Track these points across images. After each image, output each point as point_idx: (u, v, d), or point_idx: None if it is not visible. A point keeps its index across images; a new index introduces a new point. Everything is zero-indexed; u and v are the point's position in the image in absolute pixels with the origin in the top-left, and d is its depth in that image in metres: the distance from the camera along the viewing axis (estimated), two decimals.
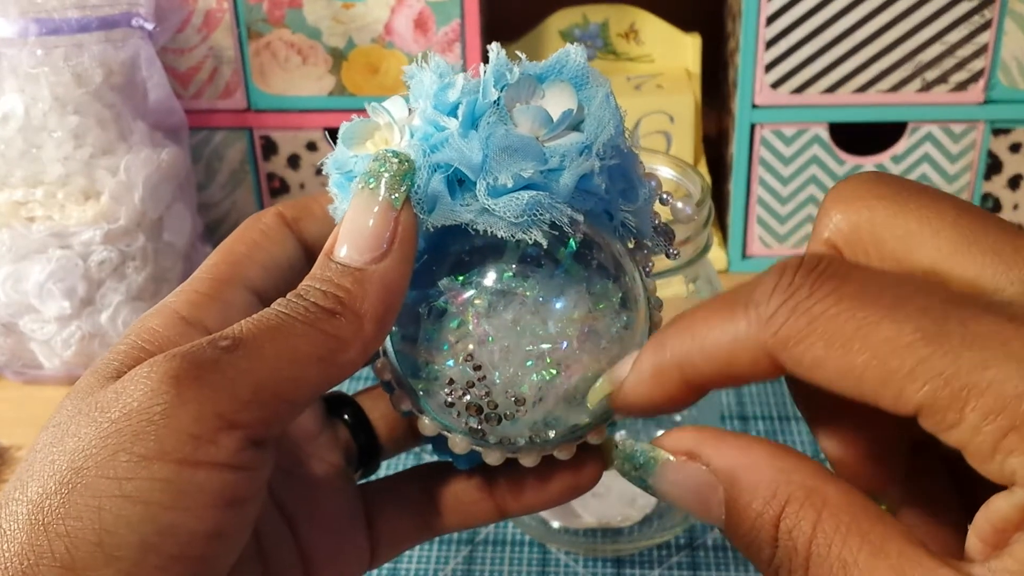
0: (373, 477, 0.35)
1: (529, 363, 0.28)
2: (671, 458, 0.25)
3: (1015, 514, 0.20)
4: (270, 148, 0.77)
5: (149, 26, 0.65)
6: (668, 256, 0.31)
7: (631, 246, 0.31)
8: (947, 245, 0.24)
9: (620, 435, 0.31)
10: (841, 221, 0.25)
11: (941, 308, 0.21)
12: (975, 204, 0.24)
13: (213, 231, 0.79)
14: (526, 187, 0.27)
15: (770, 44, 0.70)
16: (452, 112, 0.27)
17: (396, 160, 0.27)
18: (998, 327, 0.20)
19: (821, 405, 0.26)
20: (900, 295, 0.21)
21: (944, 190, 0.26)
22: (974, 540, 0.22)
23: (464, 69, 0.28)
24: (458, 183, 0.27)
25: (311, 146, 0.77)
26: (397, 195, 0.27)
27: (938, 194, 0.25)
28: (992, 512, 0.21)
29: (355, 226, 0.27)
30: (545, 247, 0.28)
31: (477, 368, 0.28)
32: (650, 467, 0.25)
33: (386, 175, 0.27)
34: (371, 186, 0.27)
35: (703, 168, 0.78)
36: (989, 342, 0.20)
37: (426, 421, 0.29)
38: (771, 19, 0.69)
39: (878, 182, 0.25)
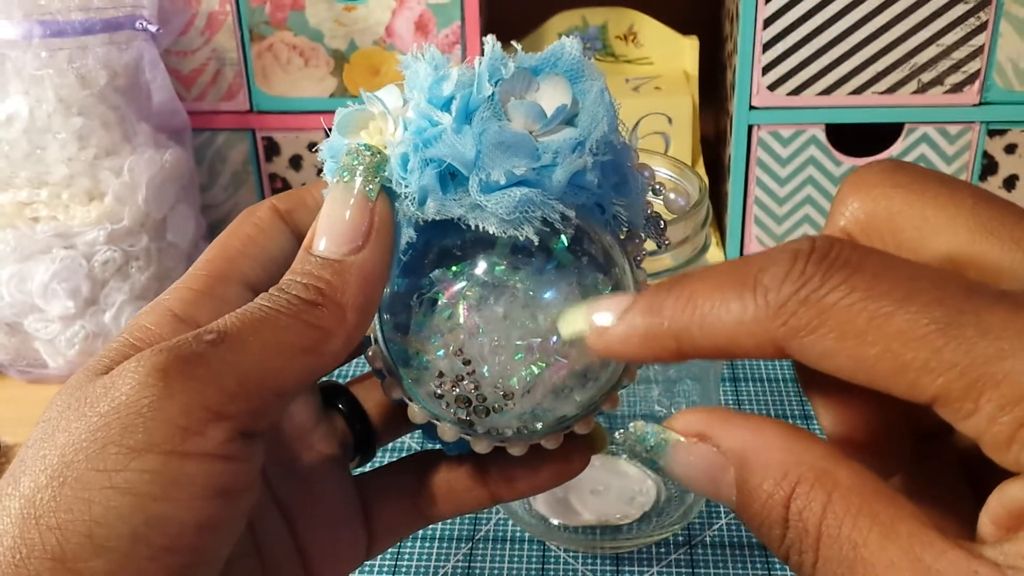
0: (368, 466, 0.35)
1: (518, 356, 0.28)
2: (681, 439, 0.25)
3: None
4: (272, 149, 0.78)
5: (153, 28, 0.65)
6: (659, 246, 0.31)
7: (622, 237, 0.30)
8: (964, 233, 0.23)
9: (633, 424, 0.31)
10: (858, 209, 0.25)
11: (955, 299, 0.21)
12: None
13: (216, 231, 0.79)
14: (518, 183, 0.27)
15: (767, 46, 0.70)
16: (446, 106, 0.27)
17: (368, 153, 0.27)
18: (1013, 316, 0.20)
19: (823, 385, 0.25)
20: (914, 286, 0.21)
21: None
22: (986, 522, 0.21)
23: (462, 59, 0.28)
24: (450, 177, 0.27)
25: (313, 147, 0.77)
26: (372, 187, 0.27)
27: (956, 182, 0.24)
28: (1007, 498, 0.21)
29: (332, 219, 0.27)
30: (536, 243, 0.28)
31: (467, 363, 0.28)
32: (660, 449, 0.25)
33: (360, 168, 0.27)
34: (345, 179, 0.27)
35: (701, 169, 0.79)
36: (1004, 332, 0.20)
37: (416, 409, 0.30)
38: (768, 22, 0.69)
39: (896, 170, 0.25)
